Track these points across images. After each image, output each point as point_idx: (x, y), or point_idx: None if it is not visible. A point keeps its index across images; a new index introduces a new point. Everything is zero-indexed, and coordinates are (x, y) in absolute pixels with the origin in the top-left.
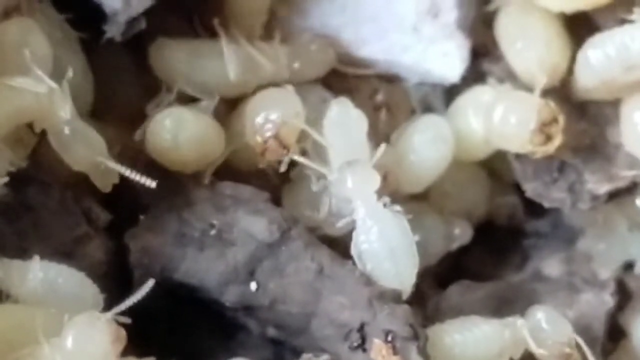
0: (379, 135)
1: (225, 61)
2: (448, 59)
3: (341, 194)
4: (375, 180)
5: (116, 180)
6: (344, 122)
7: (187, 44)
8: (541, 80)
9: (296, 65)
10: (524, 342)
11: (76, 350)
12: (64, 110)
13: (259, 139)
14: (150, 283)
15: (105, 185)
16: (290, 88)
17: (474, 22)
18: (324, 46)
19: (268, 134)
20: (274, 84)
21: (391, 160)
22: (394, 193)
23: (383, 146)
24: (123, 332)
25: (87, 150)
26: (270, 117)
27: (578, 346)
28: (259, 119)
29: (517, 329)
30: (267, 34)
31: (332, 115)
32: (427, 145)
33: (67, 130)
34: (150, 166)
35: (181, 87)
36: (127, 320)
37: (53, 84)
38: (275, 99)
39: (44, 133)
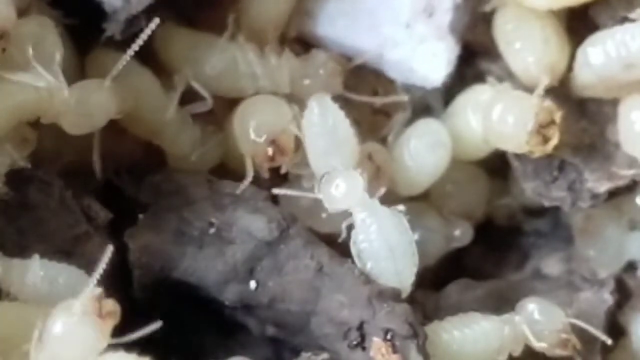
0: (377, 137)
1: (212, 55)
2: (435, 60)
3: (336, 207)
4: (360, 180)
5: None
6: (327, 121)
7: (193, 34)
8: (543, 82)
9: (304, 82)
10: (523, 337)
11: (63, 339)
12: (62, 94)
13: (258, 151)
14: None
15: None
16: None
17: (466, 27)
18: (333, 72)
19: (267, 145)
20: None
21: (382, 155)
22: (394, 193)
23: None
24: (109, 303)
25: (99, 93)
26: (265, 128)
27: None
28: (252, 131)
29: (516, 324)
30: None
31: (314, 117)
32: (425, 151)
33: (73, 100)
34: (150, 165)
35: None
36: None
37: (51, 78)
38: (263, 108)
39: (43, 131)
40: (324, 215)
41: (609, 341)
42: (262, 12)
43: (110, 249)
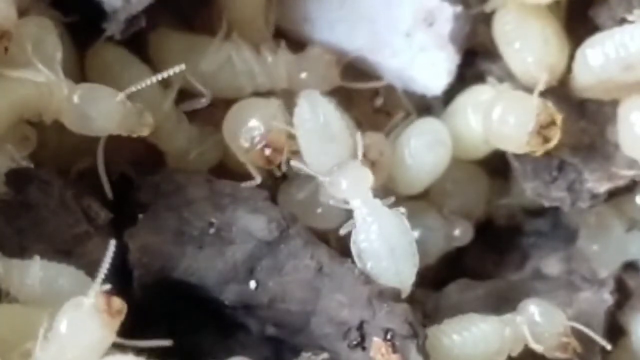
0: None
1: (207, 54)
2: (435, 70)
3: (337, 196)
4: (369, 178)
5: (150, 119)
6: (317, 117)
7: (187, 37)
8: (542, 82)
9: (301, 76)
10: (523, 338)
11: (70, 335)
12: (62, 91)
13: (256, 157)
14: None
15: (145, 127)
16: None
17: (466, 37)
18: (329, 64)
19: (259, 146)
20: (271, 93)
21: (378, 148)
22: (392, 192)
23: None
24: (117, 301)
25: (107, 101)
26: (254, 132)
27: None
28: (243, 141)
29: (517, 325)
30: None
31: (304, 113)
32: (425, 150)
33: (77, 98)
34: (150, 165)
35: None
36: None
37: (51, 74)
38: (245, 115)
39: (42, 131)
40: (319, 210)
41: (609, 347)
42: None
43: (113, 245)
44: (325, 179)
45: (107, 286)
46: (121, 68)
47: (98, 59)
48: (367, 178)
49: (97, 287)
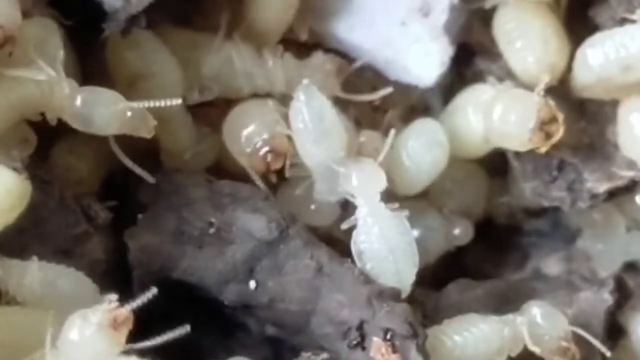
0: None
1: (208, 54)
2: (428, 60)
3: (345, 189)
4: (382, 181)
5: (153, 122)
6: (313, 110)
7: (189, 35)
8: (543, 80)
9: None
10: (522, 339)
11: (78, 346)
12: (63, 89)
13: (256, 162)
14: (153, 290)
15: (147, 130)
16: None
17: (461, 28)
18: (330, 73)
19: (262, 152)
20: (270, 95)
21: (373, 145)
22: (391, 192)
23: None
24: (123, 313)
25: (108, 107)
26: (256, 137)
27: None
28: (244, 145)
29: (517, 326)
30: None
31: (301, 105)
32: (422, 150)
33: (79, 102)
34: (149, 165)
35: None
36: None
37: (53, 72)
38: (247, 119)
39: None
40: (312, 207)
41: (608, 353)
42: (266, 17)
43: None
44: (340, 169)
45: (113, 303)
46: (144, 51)
47: (119, 44)
48: (380, 181)
49: (105, 304)
